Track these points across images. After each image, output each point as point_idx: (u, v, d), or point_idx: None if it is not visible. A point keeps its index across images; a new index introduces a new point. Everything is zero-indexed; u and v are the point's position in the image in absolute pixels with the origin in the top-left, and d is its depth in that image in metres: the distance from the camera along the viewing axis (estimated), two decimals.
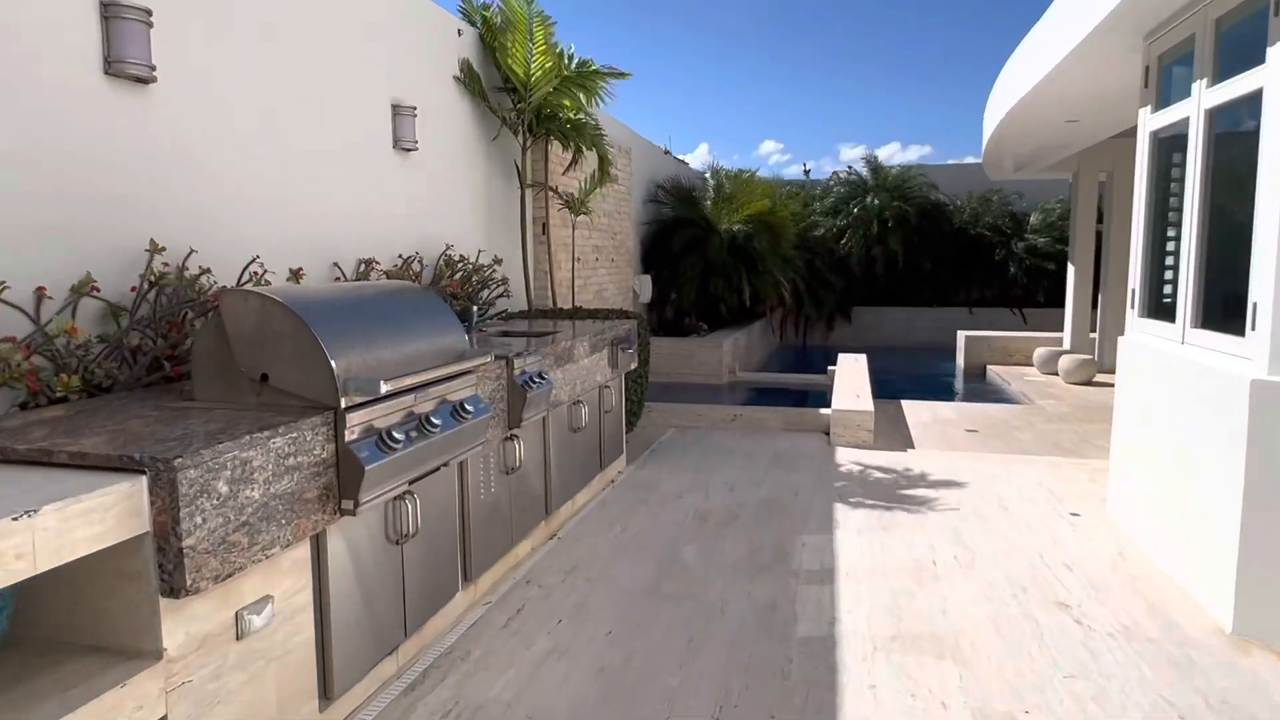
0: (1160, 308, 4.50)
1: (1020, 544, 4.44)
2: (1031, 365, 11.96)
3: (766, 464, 6.19)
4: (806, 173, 18.93)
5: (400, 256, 5.16)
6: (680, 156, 14.20)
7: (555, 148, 7.39)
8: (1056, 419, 8.14)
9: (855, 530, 4.69)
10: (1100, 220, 11.51)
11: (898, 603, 3.70)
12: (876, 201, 16.79)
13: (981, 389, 11.60)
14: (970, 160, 18.57)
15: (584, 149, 6.94)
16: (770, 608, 3.66)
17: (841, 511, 5.05)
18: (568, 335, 4.95)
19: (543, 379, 4.06)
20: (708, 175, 13.75)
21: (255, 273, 3.66)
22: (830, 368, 9.94)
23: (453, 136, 5.92)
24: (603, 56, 6.57)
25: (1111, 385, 10.45)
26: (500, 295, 6.05)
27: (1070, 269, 11.83)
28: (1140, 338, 4.60)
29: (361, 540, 2.83)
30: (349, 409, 2.55)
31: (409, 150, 5.25)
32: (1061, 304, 14.61)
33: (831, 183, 17.80)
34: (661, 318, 12.44)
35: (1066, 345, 11.66)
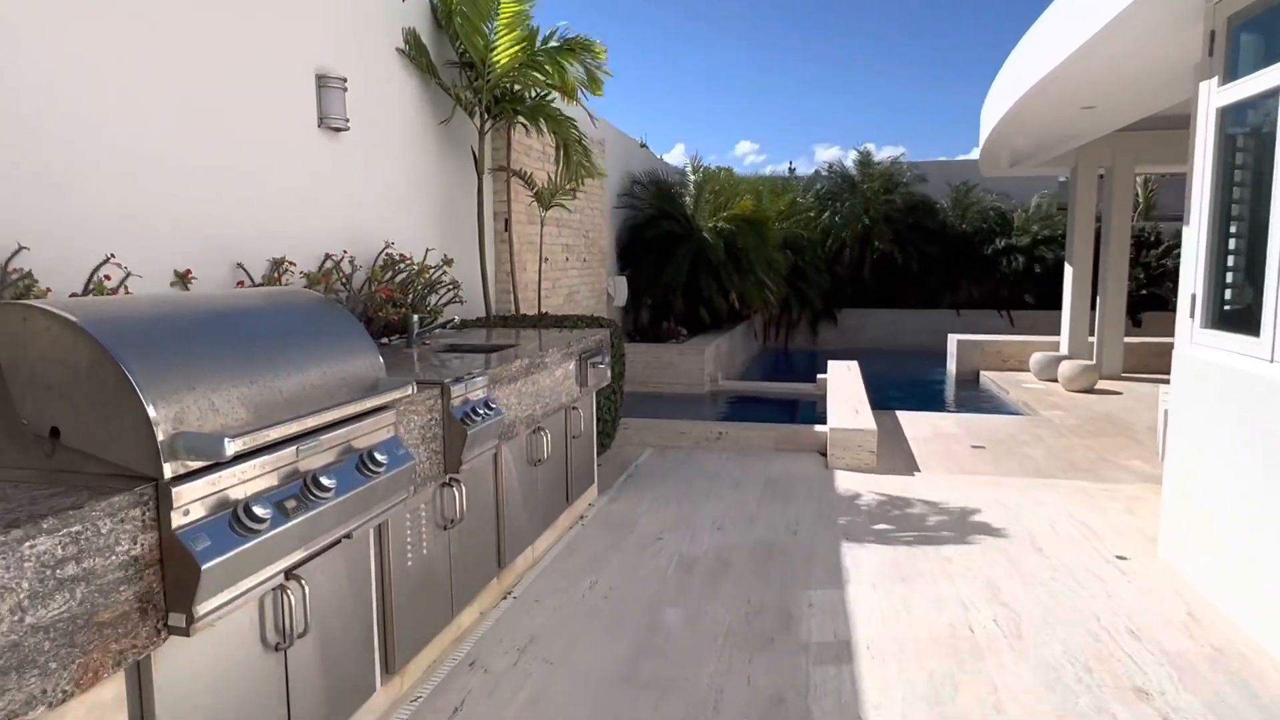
0: (1232, 317, 3.79)
1: (1070, 601, 3.70)
2: (1026, 370, 11.34)
3: (759, 493, 5.42)
4: (791, 171, 18.24)
5: (327, 256, 4.32)
6: (657, 156, 13.41)
7: (519, 133, 6.58)
8: (1066, 432, 7.47)
9: (869, 583, 3.93)
10: (1099, 219, 10.90)
11: (938, 692, 2.94)
12: (864, 196, 16.11)
13: (976, 396, 10.96)
14: (943, 158, 18.09)
15: (551, 134, 6.12)
16: (777, 701, 2.89)
17: (850, 556, 4.29)
18: (527, 350, 4.15)
19: (490, 409, 3.25)
20: (689, 170, 12.92)
21: (105, 278, 2.80)
22: (820, 376, 9.22)
23: (395, 116, 5.08)
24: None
25: (1114, 393, 9.83)
26: (451, 301, 5.22)
27: (1068, 269, 11.20)
28: (1205, 353, 3.89)
29: (216, 656, 2.01)
30: (178, 479, 1.73)
31: (338, 130, 4.41)
32: (1049, 306, 14.07)
33: (817, 179, 17.08)
34: (638, 322, 11.63)
35: (1064, 350, 11.04)
